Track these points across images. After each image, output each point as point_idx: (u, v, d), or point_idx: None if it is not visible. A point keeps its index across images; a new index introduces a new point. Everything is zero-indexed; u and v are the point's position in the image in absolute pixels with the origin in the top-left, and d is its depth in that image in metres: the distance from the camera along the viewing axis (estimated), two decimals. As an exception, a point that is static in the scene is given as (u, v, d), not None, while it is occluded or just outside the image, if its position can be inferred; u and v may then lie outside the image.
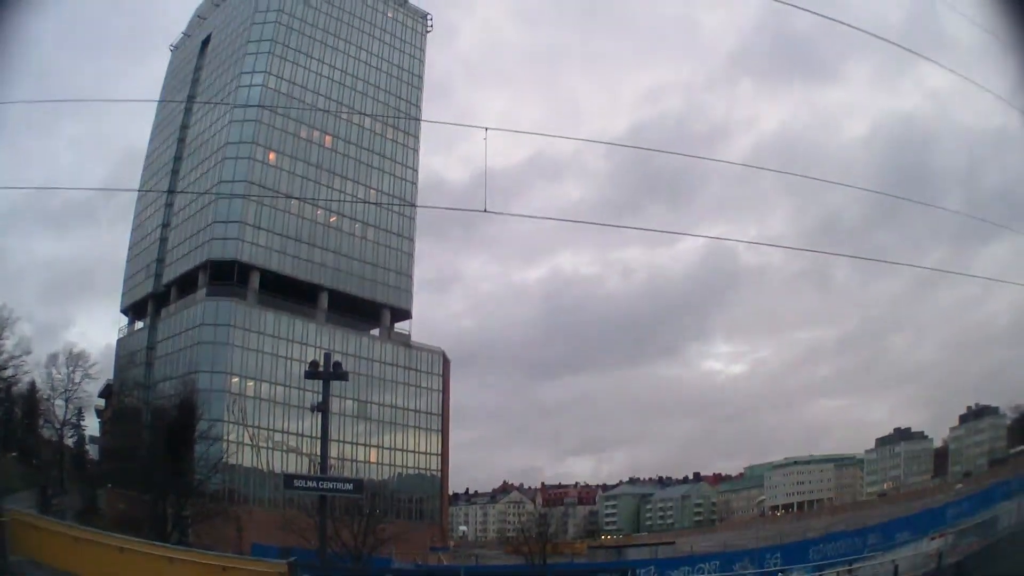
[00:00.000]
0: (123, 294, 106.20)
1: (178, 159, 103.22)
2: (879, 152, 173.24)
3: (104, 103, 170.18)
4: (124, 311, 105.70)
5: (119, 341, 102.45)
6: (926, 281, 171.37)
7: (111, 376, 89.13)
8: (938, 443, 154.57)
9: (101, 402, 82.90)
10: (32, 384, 70.74)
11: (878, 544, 47.97)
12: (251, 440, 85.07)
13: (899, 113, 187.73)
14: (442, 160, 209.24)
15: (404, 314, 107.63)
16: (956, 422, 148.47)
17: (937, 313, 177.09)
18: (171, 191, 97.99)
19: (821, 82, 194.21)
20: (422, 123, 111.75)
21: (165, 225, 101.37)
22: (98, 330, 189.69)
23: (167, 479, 58.84)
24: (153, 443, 65.25)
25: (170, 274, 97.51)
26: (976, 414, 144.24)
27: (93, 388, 77.33)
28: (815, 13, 25.75)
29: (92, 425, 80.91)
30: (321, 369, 29.99)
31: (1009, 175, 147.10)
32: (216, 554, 36.31)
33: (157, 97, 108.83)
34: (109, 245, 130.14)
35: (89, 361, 74.35)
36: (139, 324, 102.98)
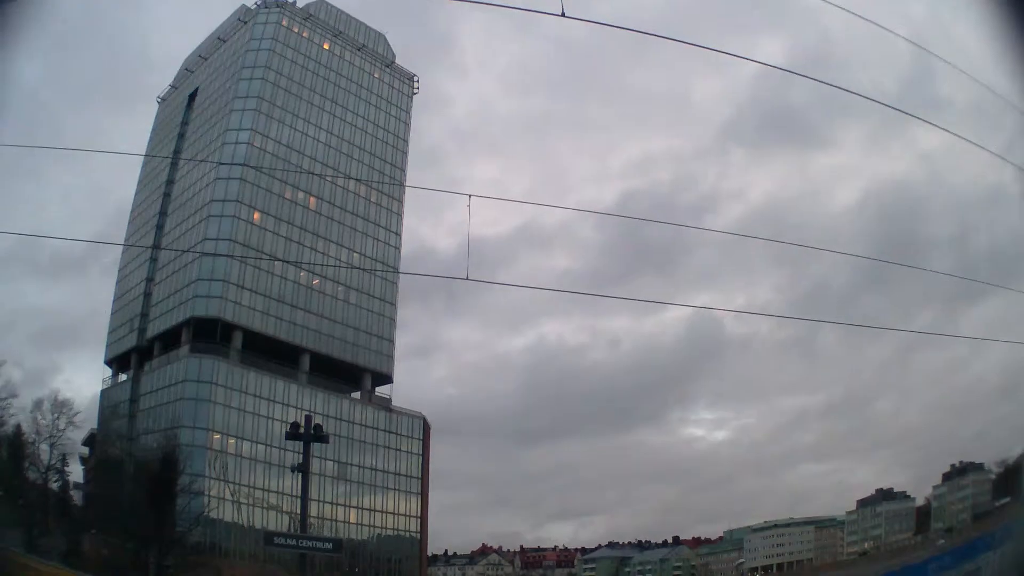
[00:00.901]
0: (107, 346, 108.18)
1: (163, 214, 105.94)
2: (869, 218, 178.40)
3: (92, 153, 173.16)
4: (108, 363, 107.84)
5: (103, 392, 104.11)
6: (913, 345, 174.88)
7: (95, 425, 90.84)
8: (920, 502, 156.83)
9: (85, 450, 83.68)
10: (18, 427, 71.41)
11: None
12: (232, 496, 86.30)
13: (890, 177, 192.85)
14: (430, 227, 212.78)
15: (385, 378, 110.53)
16: (939, 480, 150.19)
17: (924, 376, 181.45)
18: (156, 247, 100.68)
19: (812, 149, 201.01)
20: (408, 188, 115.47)
21: (149, 280, 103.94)
22: (84, 379, 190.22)
23: (150, 529, 59.48)
24: (136, 493, 66.60)
25: (154, 329, 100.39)
26: (960, 472, 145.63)
27: (77, 436, 78.29)
28: (809, 77, 27.56)
29: (76, 471, 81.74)
30: (302, 431, 30.41)
31: (999, 234, 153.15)
32: None
33: (144, 149, 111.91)
34: (98, 296, 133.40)
35: (73, 409, 75.31)
36: (123, 376, 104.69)
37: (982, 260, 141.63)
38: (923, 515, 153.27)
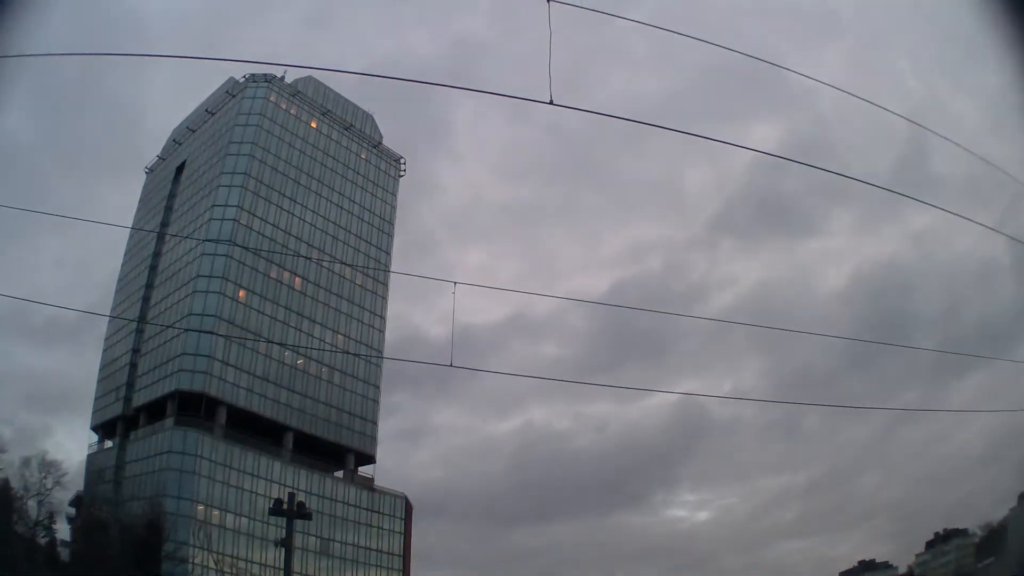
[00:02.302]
0: (93, 412, 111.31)
1: (149, 286, 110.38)
2: (858, 300, 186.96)
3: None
4: (94, 428, 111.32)
5: (89, 456, 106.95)
6: (897, 421, 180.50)
7: (82, 487, 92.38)
8: (903, 570, 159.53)
9: (72, 510, 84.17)
10: (6, 481, 73.40)
11: None
12: (216, 565, 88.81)
13: (879, 259, 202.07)
14: (422, 314, 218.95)
15: (368, 458, 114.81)
16: (922, 548, 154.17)
17: (907, 450, 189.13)
18: (141, 320, 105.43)
19: (803, 236, 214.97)
20: (393, 274, 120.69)
21: (135, 350, 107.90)
22: (73, 443, 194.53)
23: None
24: (122, 555, 68.70)
25: (139, 399, 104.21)
26: (943, 538, 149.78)
27: (64, 496, 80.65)
28: (800, 162, 28.93)
29: (63, 529, 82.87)
30: (285, 507, 31.51)
31: (987, 307, 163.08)
32: None
33: (131, 218, 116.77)
34: (91, 363, 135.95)
35: (61, 470, 78.10)
36: (109, 443, 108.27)
37: (969, 333, 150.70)
38: None
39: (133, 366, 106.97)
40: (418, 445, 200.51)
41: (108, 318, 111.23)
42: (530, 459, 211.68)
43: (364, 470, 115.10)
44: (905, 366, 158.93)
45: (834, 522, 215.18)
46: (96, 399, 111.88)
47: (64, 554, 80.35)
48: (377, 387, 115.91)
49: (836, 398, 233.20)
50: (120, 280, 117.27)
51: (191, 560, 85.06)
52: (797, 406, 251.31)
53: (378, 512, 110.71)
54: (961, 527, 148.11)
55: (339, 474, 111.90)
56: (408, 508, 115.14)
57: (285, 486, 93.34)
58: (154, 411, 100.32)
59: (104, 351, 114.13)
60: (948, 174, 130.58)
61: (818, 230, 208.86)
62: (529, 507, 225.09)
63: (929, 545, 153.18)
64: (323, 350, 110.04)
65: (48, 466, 76.29)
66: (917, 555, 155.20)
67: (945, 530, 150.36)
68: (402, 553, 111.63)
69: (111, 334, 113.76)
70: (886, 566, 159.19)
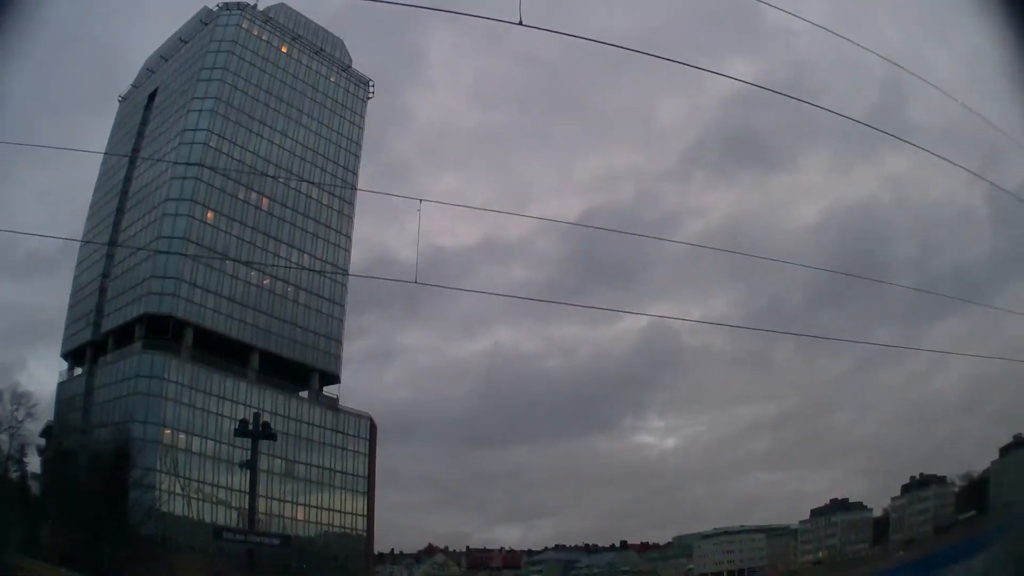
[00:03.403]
0: (64, 340, 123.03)
1: (120, 211, 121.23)
2: (829, 237, 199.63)
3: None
4: (64, 356, 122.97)
5: (59, 385, 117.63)
6: (871, 359, 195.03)
7: (52, 417, 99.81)
8: (878, 512, 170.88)
9: (43, 441, 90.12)
10: None
11: None
12: (183, 490, 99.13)
13: (853, 199, 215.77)
14: (393, 236, 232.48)
15: (333, 378, 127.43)
16: (898, 492, 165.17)
17: (882, 390, 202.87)
18: (111, 243, 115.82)
19: (775, 170, 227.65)
20: (364, 195, 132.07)
21: (105, 275, 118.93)
22: (47, 373, 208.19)
23: (103, 521, 68.19)
24: (90, 485, 75.19)
25: (108, 324, 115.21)
26: (921, 484, 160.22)
27: (36, 427, 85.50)
28: (776, 91, 30.60)
29: (34, 462, 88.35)
30: (250, 428, 34.23)
31: (962, 254, 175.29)
32: None
33: (103, 148, 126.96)
34: (66, 294, 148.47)
35: (32, 401, 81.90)
36: (78, 370, 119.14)
37: (944, 279, 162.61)
38: (881, 526, 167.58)
39: (103, 291, 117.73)
40: (386, 367, 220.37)
41: (80, 243, 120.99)
42: (498, 382, 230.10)
43: (329, 390, 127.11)
44: (878, 306, 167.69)
45: (806, 457, 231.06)
46: (66, 327, 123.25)
47: (35, 487, 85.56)
48: (342, 306, 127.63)
49: (808, 331, 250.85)
50: (91, 207, 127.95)
51: (158, 486, 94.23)
52: (769, 338, 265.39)
53: (343, 433, 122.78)
54: (939, 474, 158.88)
55: (304, 395, 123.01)
56: (372, 429, 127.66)
57: (251, 407, 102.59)
58: (122, 336, 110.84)
59: (75, 278, 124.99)
60: (924, 123, 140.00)
61: (791, 166, 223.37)
62: (496, 430, 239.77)
63: (905, 489, 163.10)
64: (289, 267, 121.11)
65: (19, 398, 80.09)
66: (893, 498, 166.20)
67: (922, 475, 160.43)
68: (367, 474, 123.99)
69: (82, 260, 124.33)
70: (860, 507, 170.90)
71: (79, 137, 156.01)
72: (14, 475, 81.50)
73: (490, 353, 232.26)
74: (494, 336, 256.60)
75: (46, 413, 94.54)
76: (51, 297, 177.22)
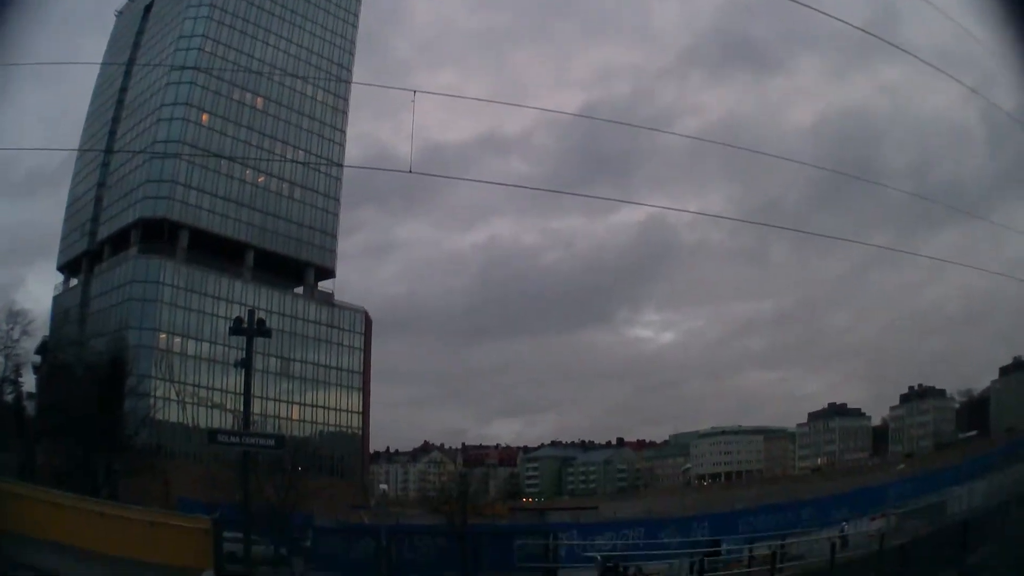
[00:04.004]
0: (60, 252, 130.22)
1: (116, 120, 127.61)
2: (825, 140, 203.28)
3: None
4: (60, 269, 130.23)
5: (55, 299, 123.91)
6: (868, 263, 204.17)
7: (48, 333, 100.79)
8: (876, 421, 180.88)
9: (38, 359, 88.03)
10: None
11: (813, 520, 53.52)
12: (177, 396, 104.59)
13: (849, 105, 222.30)
14: (391, 133, 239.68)
15: (328, 273, 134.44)
16: (896, 401, 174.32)
17: (879, 295, 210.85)
18: (107, 151, 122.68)
19: (771, 73, 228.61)
20: (362, 94, 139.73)
21: (101, 184, 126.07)
22: (44, 290, 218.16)
23: (98, 434, 68.43)
24: (85, 398, 74.14)
25: (104, 233, 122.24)
26: (919, 395, 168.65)
27: (32, 345, 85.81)
28: None
29: (30, 382, 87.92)
30: (245, 325, 34.74)
31: (959, 169, 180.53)
32: (144, 509, 43.89)
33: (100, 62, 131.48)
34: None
35: (28, 319, 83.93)
36: (74, 281, 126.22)
37: (939, 191, 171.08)
38: (879, 436, 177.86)
39: (98, 200, 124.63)
40: (383, 261, 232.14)
41: (76, 154, 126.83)
42: (495, 275, 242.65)
43: (324, 285, 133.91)
44: (875, 210, 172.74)
45: (804, 358, 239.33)
46: (62, 239, 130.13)
47: (30, 408, 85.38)
48: (337, 200, 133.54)
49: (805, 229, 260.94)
50: (88, 118, 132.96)
51: (152, 393, 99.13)
52: (765, 236, 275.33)
53: (338, 328, 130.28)
54: (937, 387, 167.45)
55: (299, 291, 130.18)
56: (368, 323, 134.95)
57: (245, 306, 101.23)
58: (118, 243, 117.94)
59: (71, 190, 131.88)
60: (919, 43, 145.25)
61: (787, 69, 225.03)
62: (493, 323, 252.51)
63: (904, 399, 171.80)
64: (283, 162, 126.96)
65: (15, 316, 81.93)
66: (891, 408, 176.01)
67: (920, 386, 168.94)
68: (362, 370, 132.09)
69: (78, 172, 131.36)
70: (859, 414, 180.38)
71: (77, 55, 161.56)
72: (9, 397, 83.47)
73: (487, 246, 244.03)
74: (491, 229, 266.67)
75: (43, 330, 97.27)
76: (50, 214, 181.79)
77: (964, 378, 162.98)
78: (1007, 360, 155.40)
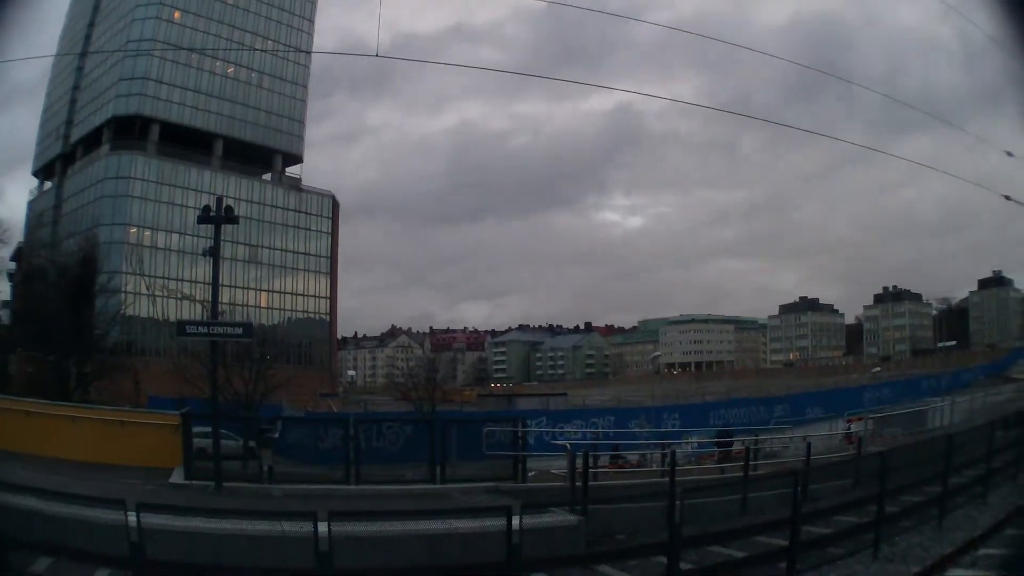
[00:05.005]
0: (35, 158, 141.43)
1: (91, 25, 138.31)
2: (797, 40, 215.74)
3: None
4: (35, 174, 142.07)
5: (29, 203, 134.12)
6: (841, 160, 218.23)
7: (23, 239, 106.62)
8: (850, 320, 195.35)
9: (13, 265, 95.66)
10: None
11: (786, 417, 55.78)
12: (147, 289, 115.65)
13: (819, 9, 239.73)
14: (365, 24, 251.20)
15: (296, 159, 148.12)
16: (871, 301, 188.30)
17: (852, 192, 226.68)
18: (82, 53, 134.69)
19: None
20: None
21: (76, 88, 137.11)
22: (20, 196, 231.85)
23: (69, 337, 72.11)
24: (57, 301, 79.12)
25: (77, 134, 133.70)
26: (895, 296, 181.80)
27: (7, 253, 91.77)
28: None
29: (5, 290, 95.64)
30: (213, 213, 36.19)
31: (929, 83, 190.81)
32: (115, 409, 46.36)
33: None
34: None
35: (3, 227, 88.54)
36: (48, 185, 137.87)
37: (912, 101, 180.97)
38: (853, 335, 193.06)
39: (72, 103, 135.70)
40: (353, 147, 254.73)
41: (52, 62, 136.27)
42: (465, 160, 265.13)
43: (292, 171, 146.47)
44: (847, 111, 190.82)
45: (775, 251, 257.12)
46: (37, 143, 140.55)
47: (6, 316, 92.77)
48: (305, 87, 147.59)
49: (777, 126, 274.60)
50: (65, 26, 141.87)
51: (123, 289, 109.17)
52: (737, 128, 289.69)
53: (305, 213, 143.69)
54: (914, 291, 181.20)
55: (267, 177, 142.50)
56: (335, 207, 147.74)
57: (215, 195, 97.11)
58: (91, 143, 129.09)
59: (47, 96, 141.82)
60: None
61: None
62: (462, 207, 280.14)
63: (878, 299, 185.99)
64: (252, 51, 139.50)
65: None
66: (865, 307, 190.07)
67: (896, 288, 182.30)
68: (329, 255, 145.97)
69: (54, 77, 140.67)
70: (831, 310, 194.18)
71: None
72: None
73: (457, 131, 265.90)
74: (461, 114, 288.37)
75: (19, 237, 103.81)
76: (29, 124, 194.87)
77: (940, 285, 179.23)
78: (985, 272, 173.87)
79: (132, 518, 17.34)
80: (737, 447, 41.19)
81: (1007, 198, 46.62)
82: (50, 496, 21.90)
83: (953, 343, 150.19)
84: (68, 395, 65.73)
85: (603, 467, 37.79)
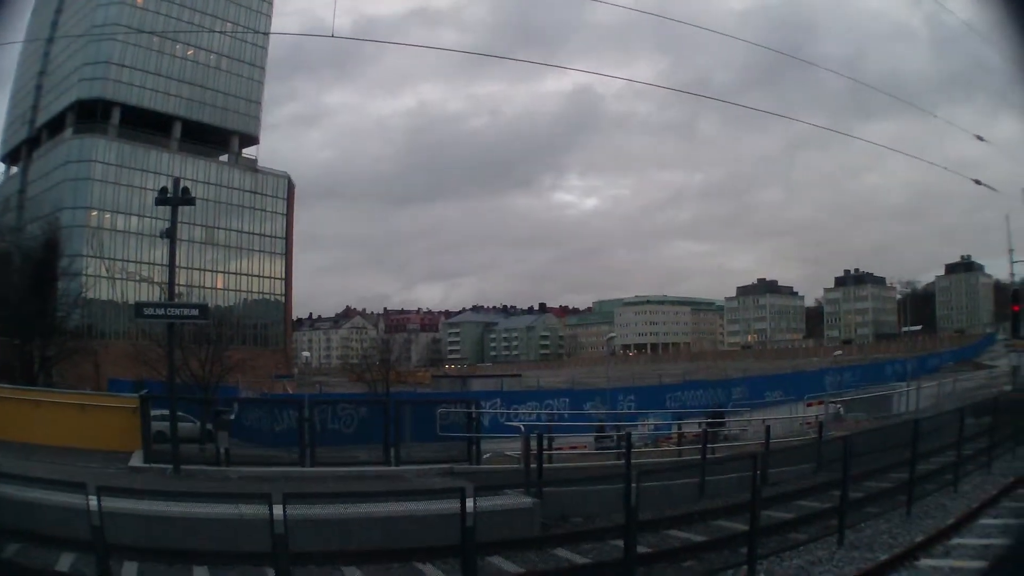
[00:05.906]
0: (2, 143, 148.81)
1: (58, 12, 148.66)
2: (759, 23, 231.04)
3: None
4: (2, 159, 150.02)
5: None
6: (802, 143, 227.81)
7: None
8: (810, 303, 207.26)
9: None
10: None
11: (743, 400, 57.94)
12: (107, 272, 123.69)
13: None
14: (326, 9, 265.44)
15: (252, 140, 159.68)
16: (831, 284, 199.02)
17: (812, 175, 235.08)
18: (49, 41, 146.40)
19: None
20: None
21: (42, 73, 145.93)
22: None
23: (31, 321, 77.42)
24: (21, 286, 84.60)
25: (43, 118, 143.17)
26: (857, 279, 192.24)
27: None
28: None
29: None
30: (170, 195, 39.09)
31: (895, 69, 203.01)
32: (76, 392, 49.85)
33: None
34: None
35: None
36: (15, 170, 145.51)
37: (874, 83, 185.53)
38: (813, 318, 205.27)
39: (38, 88, 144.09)
40: (312, 128, 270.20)
41: (20, 48, 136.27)
42: (422, 141, 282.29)
43: (249, 152, 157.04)
44: (809, 95, 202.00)
45: (733, 233, 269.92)
46: (4, 131, 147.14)
47: None
48: (262, 68, 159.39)
49: (736, 108, 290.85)
50: (33, 13, 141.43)
51: (84, 272, 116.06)
52: (694, 110, 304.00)
53: (261, 194, 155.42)
54: (877, 274, 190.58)
55: (224, 159, 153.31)
56: (291, 188, 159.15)
57: (172, 176, 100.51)
58: (56, 127, 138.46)
59: (14, 82, 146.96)
60: None
61: None
62: (418, 188, 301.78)
63: (839, 282, 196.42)
64: (212, 33, 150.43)
65: None
66: (826, 290, 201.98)
67: (858, 271, 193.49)
68: (285, 236, 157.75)
69: (21, 63, 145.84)
70: (791, 292, 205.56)
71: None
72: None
73: (415, 113, 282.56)
74: (419, 96, 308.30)
75: None
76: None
77: (905, 270, 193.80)
78: (954, 257, 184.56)
79: (93, 502, 18.41)
80: (693, 428, 44.83)
81: (977, 182, 50.32)
82: (15, 480, 24.03)
83: (919, 327, 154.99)
84: (33, 379, 72.02)
85: (558, 449, 40.36)
